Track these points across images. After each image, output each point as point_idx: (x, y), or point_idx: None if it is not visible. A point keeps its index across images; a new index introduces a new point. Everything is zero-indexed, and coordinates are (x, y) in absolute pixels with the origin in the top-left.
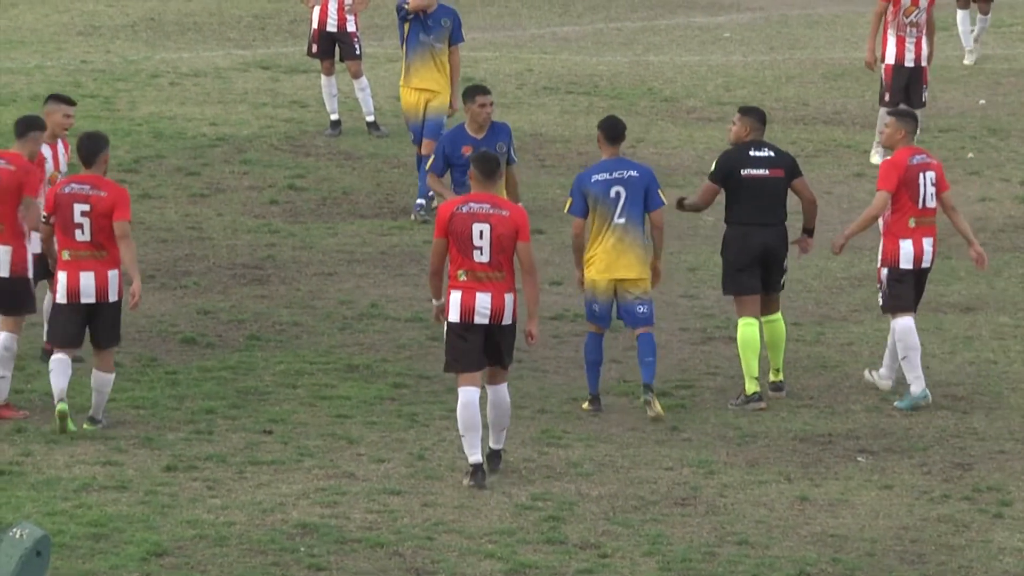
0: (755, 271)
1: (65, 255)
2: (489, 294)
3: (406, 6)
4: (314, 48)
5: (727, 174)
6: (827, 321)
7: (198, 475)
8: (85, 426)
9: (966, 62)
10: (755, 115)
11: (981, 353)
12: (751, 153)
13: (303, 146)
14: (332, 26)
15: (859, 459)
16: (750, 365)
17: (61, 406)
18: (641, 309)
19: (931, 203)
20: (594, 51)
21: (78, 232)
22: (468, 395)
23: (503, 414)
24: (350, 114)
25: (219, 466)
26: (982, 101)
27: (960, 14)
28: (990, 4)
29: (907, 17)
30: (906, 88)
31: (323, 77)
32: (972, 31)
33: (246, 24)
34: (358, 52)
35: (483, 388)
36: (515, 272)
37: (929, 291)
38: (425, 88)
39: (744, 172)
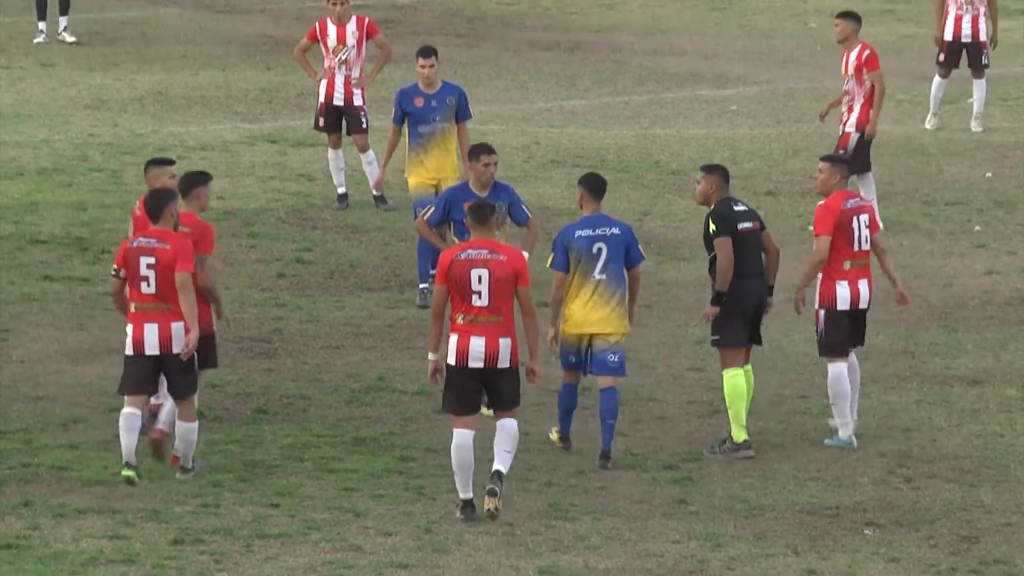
0: (747, 322)
1: (132, 307)
2: (483, 338)
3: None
4: (320, 121)
5: (731, 228)
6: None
7: (205, 548)
8: (177, 475)
9: (926, 125)
10: (720, 172)
11: (988, 426)
12: (735, 208)
13: (310, 219)
14: (339, 99)
15: (866, 532)
16: (739, 414)
17: (126, 472)
18: (612, 358)
19: (866, 245)
20: (601, 124)
21: (143, 284)
22: (462, 438)
23: (509, 438)
24: (357, 187)
25: (226, 539)
26: (989, 174)
27: (936, 81)
28: (983, 69)
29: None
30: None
31: (330, 150)
32: (972, 100)
33: (253, 98)
34: (365, 126)
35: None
36: (515, 316)
37: (935, 364)
38: (437, 176)
39: (740, 226)
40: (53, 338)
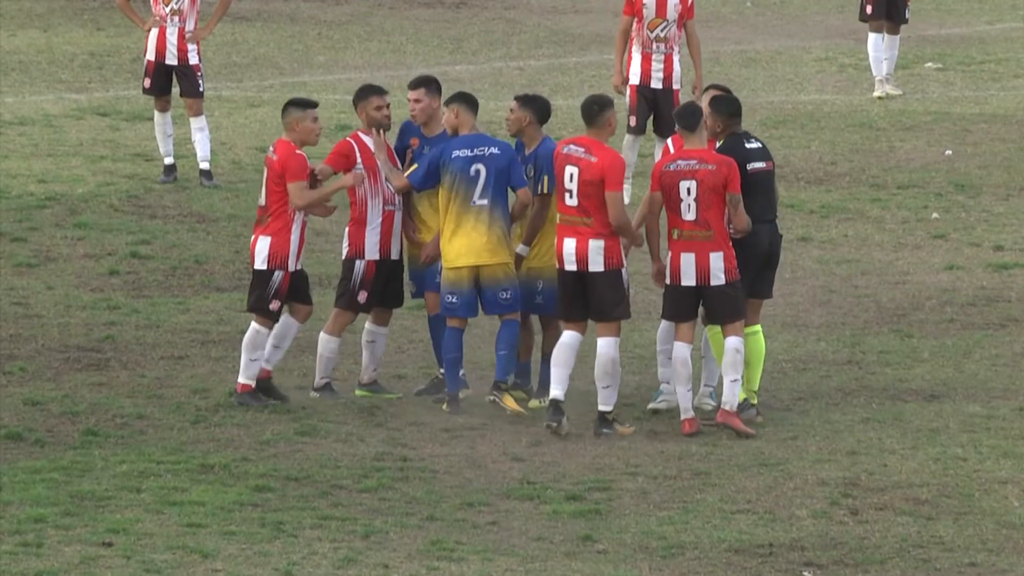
0: (755, 273)
1: None
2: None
3: None
4: (147, 83)
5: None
6: (767, 411)
7: None
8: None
9: (876, 94)
10: (731, 106)
11: (948, 448)
12: (747, 146)
13: (148, 206)
14: (172, 58)
15: (805, 574)
16: (756, 378)
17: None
18: (504, 296)
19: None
20: (492, 93)
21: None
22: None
23: (603, 371)
24: (184, 161)
25: None
26: (948, 152)
27: (872, 39)
28: (899, 24)
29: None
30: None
31: (156, 114)
32: (885, 59)
33: (80, 64)
34: (201, 88)
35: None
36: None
37: (886, 375)
38: None
39: (749, 167)
40: None
